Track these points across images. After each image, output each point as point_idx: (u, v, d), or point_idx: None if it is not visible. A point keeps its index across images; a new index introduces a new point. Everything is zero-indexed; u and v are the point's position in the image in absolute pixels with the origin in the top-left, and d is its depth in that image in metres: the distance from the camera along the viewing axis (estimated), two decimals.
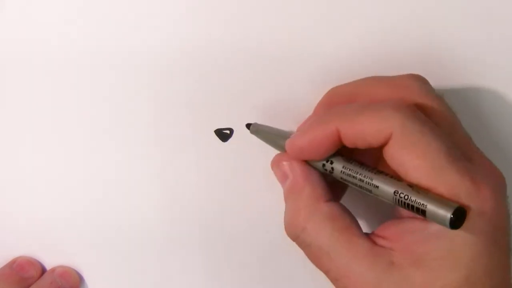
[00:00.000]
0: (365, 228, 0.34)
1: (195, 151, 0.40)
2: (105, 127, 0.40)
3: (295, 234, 0.33)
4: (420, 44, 0.38)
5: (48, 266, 0.42)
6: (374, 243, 0.32)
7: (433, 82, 0.35)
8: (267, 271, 0.36)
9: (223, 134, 0.40)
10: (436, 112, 0.33)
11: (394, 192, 0.31)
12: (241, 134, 0.39)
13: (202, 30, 0.39)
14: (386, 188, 0.31)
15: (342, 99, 0.35)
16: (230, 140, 0.40)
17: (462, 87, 0.39)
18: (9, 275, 0.41)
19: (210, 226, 0.41)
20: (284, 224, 0.34)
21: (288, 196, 0.34)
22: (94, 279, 0.42)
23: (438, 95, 0.34)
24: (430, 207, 0.30)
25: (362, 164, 0.33)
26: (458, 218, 0.29)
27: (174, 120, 0.40)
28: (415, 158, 0.31)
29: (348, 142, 0.33)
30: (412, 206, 0.30)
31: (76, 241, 0.41)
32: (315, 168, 0.34)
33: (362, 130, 0.32)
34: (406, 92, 0.33)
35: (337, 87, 0.36)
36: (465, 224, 0.30)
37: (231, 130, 0.39)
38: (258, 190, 0.36)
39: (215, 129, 0.39)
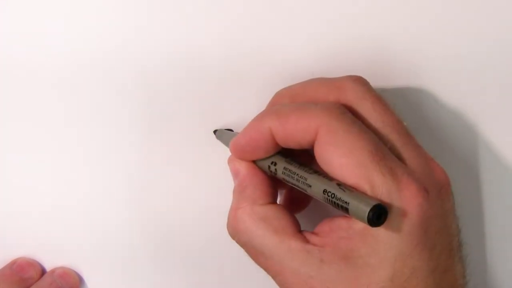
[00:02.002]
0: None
1: (195, 152, 0.40)
2: (104, 128, 0.40)
3: (234, 232, 0.35)
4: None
5: (48, 267, 0.42)
6: (307, 241, 0.33)
7: (379, 83, 0.36)
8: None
9: None
10: (374, 113, 0.34)
11: (323, 191, 0.32)
12: None
13: (202, 30, 0.39)
14: (317, 187, 0.32)
15: (286, 101, 0.36)
16: None
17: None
18: (9, 275, 0.41)
19: (210, 225, 0.41)
20: (226, 222, 0.35)
21: (233, 194, 0.36)
22: (94, 280, 0.42)
23: (377, 95, 0.35)
24: (352, 204, 0.30)
25: (301, 165, 0.34)
26: (378, 216, 0.30)
27: (174, 121, 0.40)
28: (340, 156, 0.32)
29: (281, 141, 0.34)
30: (338, 204, 0.31)
31: (76, 242, 0.41)
32: (262, 171, 0.36)
33: (291, 129, 0.33)
34: (343, 93, 0.34)
35: (282, 89, 0.37)
36: (388, 224, 0.30)
37: (231, 131, 0.40)
38: None
39: (215, 129, 0.40)
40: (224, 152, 0.37)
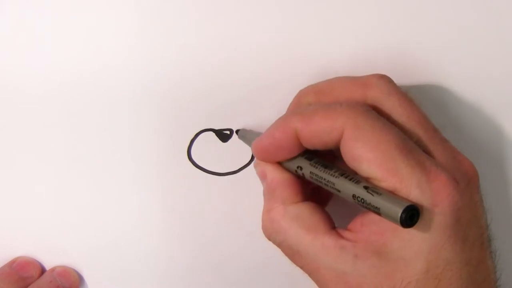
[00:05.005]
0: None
1: (195, 152, 0.40)
2: (105, 127, 0.40)
3: (269, 233, 0.35)
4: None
5: (47, 267, 0.42)
6: (341, 237, 0.33)
7: (402, 80, 0.37)
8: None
9: (223, 135, 0.40)
10: (399, 108, 0.34)
11: (353, 196, 0.32)
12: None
13: (202, 31, 0.39)
14: (346, 191, 0.32)
15: (310, 99, 0.36)
16: (230, 140, 0.40)
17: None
18: (9, 274, 0.41)
19: (210, 223, 0.41)
20: (261, 224, 0.35)
21: (264, 197, 0.36)
22: (93, 279, 0.42)
23: (402, 92, 0.35)
24: (383, 208, 0.30)
25: (327, 168, 0.34)
26: (411, 217, 0.30)
27: (174, 121, 0.40)
28: (367, 151, 0.32)
29: (306, 142, 0.34)
30: (369, 208, 0.31)
31: (76, 241, 0.41)
32: (289, 171, 0.35)
33: (316, 129, 0.33)
34: (369, 90, 0.34)
35: (306, 87, 0.37)
36: (419, 216, 0.30)
37: (231, 131, 0.40)
38: (260, 189, 0.36)
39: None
40: (226, 151, 0.37)
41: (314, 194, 0.38)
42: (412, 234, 0.31)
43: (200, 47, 0.39)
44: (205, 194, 0.41)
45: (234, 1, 0.39)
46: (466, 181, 0.33)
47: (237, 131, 0.40)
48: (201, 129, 0.40)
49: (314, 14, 0.39)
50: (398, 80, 0.36)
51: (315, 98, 0.36)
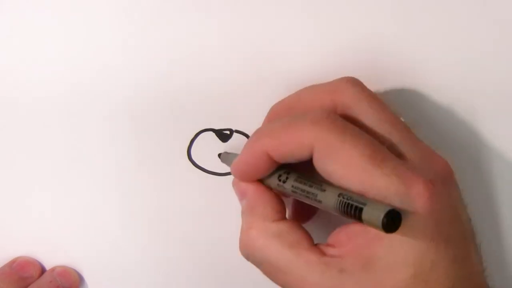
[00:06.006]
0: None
1: (195, 152, 0.40)
2: (105, 127, 0.40)
3: (248, 252, 0.34)
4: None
5: (47, 267, 0.42)
6: (324, 253, 0.33)
7: (374, 84, 0.37)
8: None
9: (223, 135, 0.40)
10: (370, 110, 0.34)
11: (339, 195, 0.31)
12: (241, 135, 0.40)
13: (202, 31, 0.39)
14: (331, 193, 0.32)
15: (283, 113, 0.36)
16: (230, 140, 0.40)
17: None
18: (9, 274, 0.41)
19: (210, 223, 0.41)
20: (238, 244, 0.35)
21: (242, 216, 0.35)
22: (93, 279, 0.42)
23: (372, 94, 0.35)
24: (366, 209, 0.30)
25: (308, 179, 0.33)
26: (393, 221, 0.29)
27: (174, 121, 0.40)
28: (340, 168, 0.31)
29: (279, 159, 0.34)
30: (352, 206, 0.30)
31: (76, 241, 0.42)
32: (268, 188, 0.35)
33: (285, 147, 0.33)
34: (338, 96, 0.34)
35: (277, 103, 0.37)
36: (402, 223, 0.30)
37: (231, 131, 0.40)
38: None
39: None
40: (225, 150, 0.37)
41: (294, 211, 0.39)
42: (397, 242, 0.31)
43: (200, 47, 0.39)
44: (205, 194, 0.41)
45: (234, 1, 0.39)
46: (442, 181, 0.32)
47: (219, 155, 0.40)
48: (201, 129, 0.40)
49: (314, 14, 0.39)
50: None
51: (286, 113, 0.35)
